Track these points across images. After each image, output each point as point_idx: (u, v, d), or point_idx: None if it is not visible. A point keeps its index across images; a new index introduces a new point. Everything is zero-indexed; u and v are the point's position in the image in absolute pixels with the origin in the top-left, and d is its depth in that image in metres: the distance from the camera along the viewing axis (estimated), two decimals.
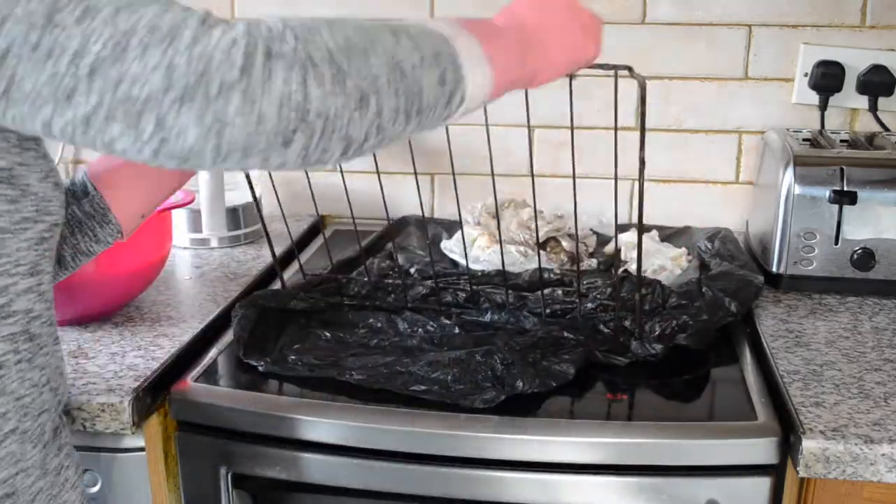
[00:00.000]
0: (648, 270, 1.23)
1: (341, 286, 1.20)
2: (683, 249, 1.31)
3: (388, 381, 0.99)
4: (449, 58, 0.66)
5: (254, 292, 1.18)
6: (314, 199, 1.19)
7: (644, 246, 1.32)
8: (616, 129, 1.06)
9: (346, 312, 1.17)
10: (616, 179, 1.07)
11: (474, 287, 1.18)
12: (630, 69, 0.99)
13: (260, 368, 1.04)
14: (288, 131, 0.56)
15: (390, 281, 1.20)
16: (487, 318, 1.15)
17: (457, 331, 1.12)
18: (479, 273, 1.23)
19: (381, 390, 0.99)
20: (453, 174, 1.13)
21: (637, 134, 0.97)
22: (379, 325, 1.14)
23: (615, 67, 0.97)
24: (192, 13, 0.57)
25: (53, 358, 0.78)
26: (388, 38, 0.62)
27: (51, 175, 0.74)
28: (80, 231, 0.90)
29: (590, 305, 1.13)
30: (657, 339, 1.05)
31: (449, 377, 0.98)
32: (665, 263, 1.26)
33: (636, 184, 0.98)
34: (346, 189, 1.14)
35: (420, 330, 1.13)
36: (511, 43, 0.75)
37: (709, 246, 1.31)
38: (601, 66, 0.96)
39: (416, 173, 1.15)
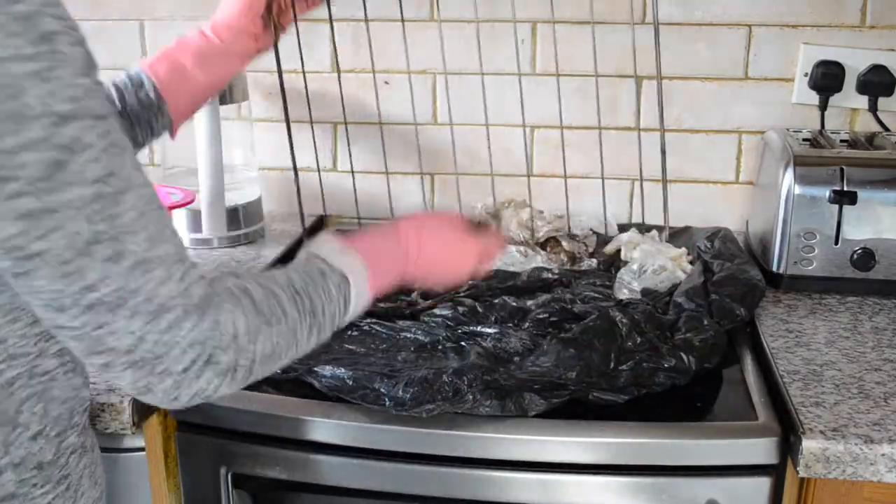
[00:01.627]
0: (649, 270, 1.23)
1: None
2: (683, 249, 1.31)
3: (350, 392, 0.97)
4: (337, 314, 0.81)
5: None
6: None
7: (644, 246, 1.32)
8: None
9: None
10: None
11: (471, 301, 1.16)
12: None
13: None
14: (188, 404, 0.70)
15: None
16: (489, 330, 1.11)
17: (449, 344, 1.09)
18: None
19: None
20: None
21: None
22: (373, 330, 1.13)
23: None
24: (187, 292, 0.65)
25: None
26: (303, 332, 0.77)
27: None
28: (139, 123, 0.99)
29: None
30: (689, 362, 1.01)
31: (408, 395, 0.93)
32: (665, 263, 1.26)
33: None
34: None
35: (410, 337, 1.11)
36: (391, 268, 0.88)
37: (709, 246, 1.31)
38: None
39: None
